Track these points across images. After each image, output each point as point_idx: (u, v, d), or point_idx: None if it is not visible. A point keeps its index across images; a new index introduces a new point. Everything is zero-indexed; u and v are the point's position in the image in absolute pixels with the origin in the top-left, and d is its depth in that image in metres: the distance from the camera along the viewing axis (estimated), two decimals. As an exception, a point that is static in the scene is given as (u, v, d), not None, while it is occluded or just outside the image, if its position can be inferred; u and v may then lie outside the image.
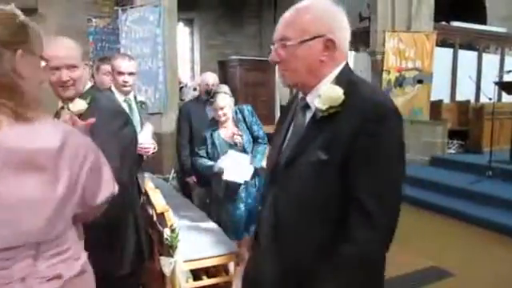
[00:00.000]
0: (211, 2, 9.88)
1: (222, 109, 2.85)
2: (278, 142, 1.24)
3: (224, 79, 8.80)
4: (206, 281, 2.61)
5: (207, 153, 2.93)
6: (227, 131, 2.94)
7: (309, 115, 1.14)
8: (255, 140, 2.96)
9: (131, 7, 5.86)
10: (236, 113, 2.97)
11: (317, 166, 1.06)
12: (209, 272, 2.71)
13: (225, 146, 2.88)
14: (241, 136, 2.89)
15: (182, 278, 2.48)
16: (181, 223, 2.76)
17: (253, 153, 2.90)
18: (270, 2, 10.70)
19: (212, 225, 2.95)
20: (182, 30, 10.07)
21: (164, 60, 5.67)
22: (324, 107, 1.06)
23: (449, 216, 4.68)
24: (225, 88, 3.08)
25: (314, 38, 1.10)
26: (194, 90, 4.05)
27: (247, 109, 3.03)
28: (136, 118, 2.57)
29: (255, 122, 2.98)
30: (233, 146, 2.90)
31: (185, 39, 10.22)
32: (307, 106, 1.15)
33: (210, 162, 2.88)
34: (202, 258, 2.56)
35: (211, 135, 2.92)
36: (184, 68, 9.86)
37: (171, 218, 2.54)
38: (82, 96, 1.67)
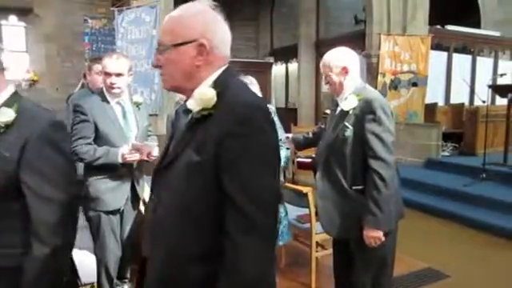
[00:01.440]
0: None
1: None
2: (165, 146, 1.24)
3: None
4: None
5: None
6: None
7: (189, 118, 1.14)
8: None
9: (127, 8, 5.85)
10: None
11: (190, 168, 1.05)
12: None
13: None
14: None
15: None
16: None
17: None
18: (266, 5, 10.73)
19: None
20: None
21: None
22: (197, 109, 1.07)
23: (443, 218, 4.70)
24: (251, 79, 2.72)
25: (186, 42, 1.08)
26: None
27: (271, 108, 2.73)
28: (131, 121, 2.49)
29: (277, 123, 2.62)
30: None
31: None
32: (189, 110, 1.14)
33: None
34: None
35: None
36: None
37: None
38: (6, 104, 1.32)
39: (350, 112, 2.04)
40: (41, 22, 8.13)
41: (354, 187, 2.06)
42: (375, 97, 2.06)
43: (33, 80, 8.20)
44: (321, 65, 2.19)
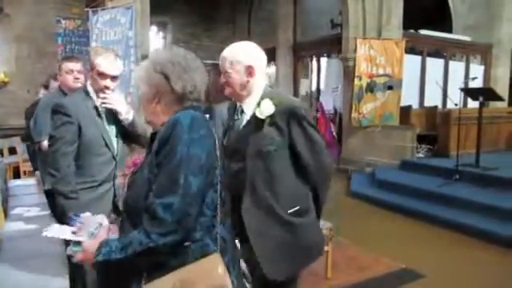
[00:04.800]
0: (185, 6, 9.82)
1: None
2: None
3: (198, 83, 8.73)
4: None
5: None
6: None
7: None
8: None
9: (102, 9, 5.73)
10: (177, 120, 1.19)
11: None
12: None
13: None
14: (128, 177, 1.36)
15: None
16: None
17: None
18: (244, 8, 10.74)
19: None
20: (155, 34, 9.95)
21: (136, 63, 5.57)
22: None
23: (417, 218, 4.78)
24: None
25: None
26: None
27: (183, 121, 1.18)
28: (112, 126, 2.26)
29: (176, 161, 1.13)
30: None
31: (158, 43, 10.11)
32: None
33: None
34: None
35: None
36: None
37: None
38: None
39: (267, 120, 1.69)
40: (11, 21, 7.87)
41: (289, 211, 1.71)
42: (298, 103, 1.81)
43: (3, 81, 7.95)
44: (220, 60, 1.81)
